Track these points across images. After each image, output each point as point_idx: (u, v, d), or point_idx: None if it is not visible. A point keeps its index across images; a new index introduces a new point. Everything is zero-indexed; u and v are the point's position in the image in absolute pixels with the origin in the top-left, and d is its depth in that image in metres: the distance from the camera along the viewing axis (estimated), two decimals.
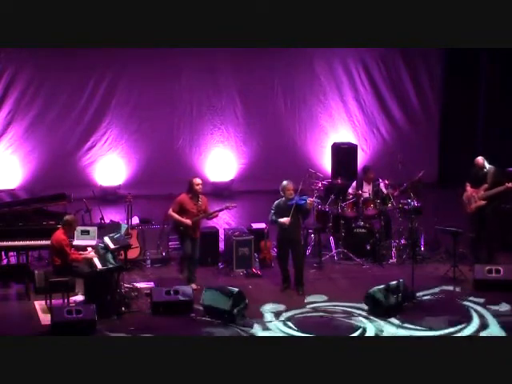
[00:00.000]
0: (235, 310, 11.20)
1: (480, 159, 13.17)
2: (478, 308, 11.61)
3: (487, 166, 13.11)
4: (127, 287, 12.13)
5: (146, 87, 17.50)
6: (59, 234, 11.56)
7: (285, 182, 12.25)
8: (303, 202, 12.13)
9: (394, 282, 11.63)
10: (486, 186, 13.04)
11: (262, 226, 13.75)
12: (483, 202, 13.04)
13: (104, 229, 12.76)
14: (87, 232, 12.36)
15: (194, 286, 12.24)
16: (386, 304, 11.40)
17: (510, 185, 12.86)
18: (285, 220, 12.06)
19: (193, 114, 17.96)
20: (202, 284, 12.17)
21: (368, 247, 13.80)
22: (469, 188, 13.22)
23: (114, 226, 12.89)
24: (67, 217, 11.87)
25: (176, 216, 12.30)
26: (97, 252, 11.68)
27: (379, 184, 14.11)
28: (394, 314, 11.32)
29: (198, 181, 12.35)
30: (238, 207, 14.99)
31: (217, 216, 12.91)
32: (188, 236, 12.35)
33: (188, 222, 12.23)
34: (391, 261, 13.68)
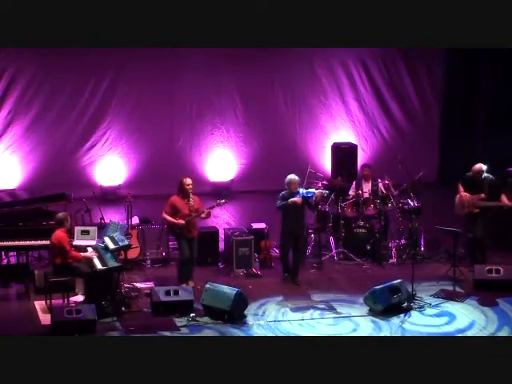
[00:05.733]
0: (235, 310, 11.21)
1: (478, 166, 13.08)
2: None
3: (485, 173, 13.04)
4: (127, 287, 12.13)
5: (146, 87, 17.47)
6: (58, 233, 11.57)
7: (291, 176, 12.44)
8: (311, 194, 12.31)
9: (394, 282, 11.64)
10: (482, 195, 12.98)
11: (262, 225, 13.76)
12: (476, 210, 13.02)
13: (103, 229, 12.75)
14: (87, 232, 12.38)
15: (191, 283, 12.33)
16: (385, 304, 11.40)
17: (506, 203, 12.87)
18: (296, 199, 12.21)
19: (193, 115, 17.95)
20: (201, 284, 12.17)
21: (368, 247, 13.81)
22: (463, 192, 13.14)
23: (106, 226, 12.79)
24: (59, 215, 11.77)
25: (169, 218, 12.36)
26: (97, 252, 11.68)
27: (378, 183, 14.11)
28: (394, 314, 11.36)
29: (188, 181, 12.44)
30: (237, 207, 15.00)
31: (209, 215, 12.85)
32: (184, 237, 12.38)
33: (181, 222, 12.27)
34: (391, 261, 13.68)
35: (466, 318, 11.33)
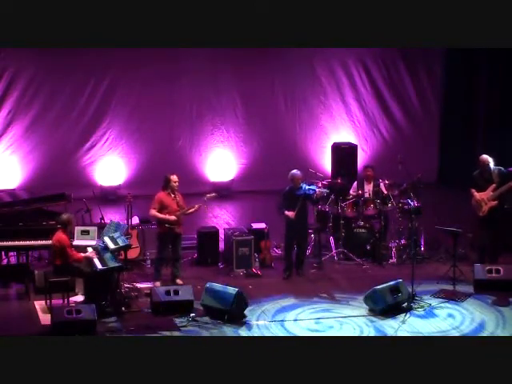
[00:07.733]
0: (235, 310, 11.21)
1: (484, 156, 13.10)
2: None
3: (492, 164, 13.04)
4: (127, 287, 12.13)
5: (146, 87, 17.48)
6: (60, 235, 11.54)
7: (294, 171, 12.81)
8: (312, 192, 12.68)
9: (394, 282, 11.64)
10: (493, 186, 12.97)
11: (262, 225, 13.77)
12: (495, 203, 12.97)
13: (103, 229, 12.74)
14: (87, 232, 12.38)
15: (179, 281, 12.46)
16: (385, 304, 11.41)
17: None
18: (290, 214, 12.54)
19: (193, 114, 17.96)
20: (201, 284, 12.17)
21: (368, 247, 13.81)
22: (476, 193, 13.09)
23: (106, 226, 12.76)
24: (64, 216, 11.78)
25: (160, 215, 12.46)
26: (97, 252, 11.68)
27: (380, 184, 14.10)
28: (394, 314, 11.36)
29: (175, 178, 12.56)
30: (237, 207, 14.95)
31: (197, 210, 12.85)
32: (172, 233, 12.47)
33: (173, 218, 12.41)
34: (391, 261, 13.68)
35: (465, 318, 11.33)
